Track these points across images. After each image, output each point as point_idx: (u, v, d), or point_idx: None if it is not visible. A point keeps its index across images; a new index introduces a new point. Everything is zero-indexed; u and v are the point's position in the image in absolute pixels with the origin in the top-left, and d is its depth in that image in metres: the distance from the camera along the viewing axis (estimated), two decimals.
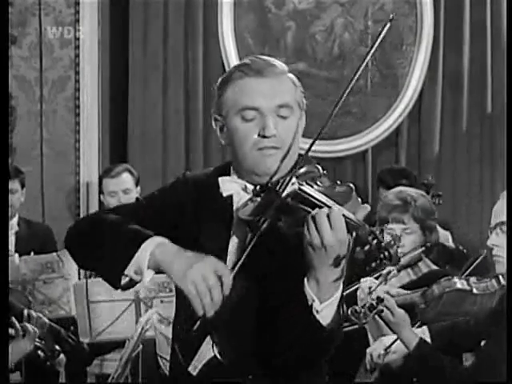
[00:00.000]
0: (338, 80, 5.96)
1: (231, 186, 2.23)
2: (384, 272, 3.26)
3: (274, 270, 2.14)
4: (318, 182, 2.14)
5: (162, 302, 4.06)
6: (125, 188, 5.06)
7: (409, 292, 3.05)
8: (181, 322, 2.32)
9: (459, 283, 2.88)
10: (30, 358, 3.71)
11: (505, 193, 2.97)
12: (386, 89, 6.08)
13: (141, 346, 3.80)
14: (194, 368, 2.22)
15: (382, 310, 2.89)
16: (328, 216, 1.96)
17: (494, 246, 2.94)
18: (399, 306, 2.95)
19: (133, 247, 2.09)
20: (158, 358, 3.82)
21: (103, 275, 2.18)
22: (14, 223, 5.00)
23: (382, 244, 1.96)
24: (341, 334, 2.12)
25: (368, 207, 2.05)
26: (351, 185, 2.12)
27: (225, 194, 2.23)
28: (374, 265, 1.98)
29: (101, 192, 5.20)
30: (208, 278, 2.00)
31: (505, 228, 2.89)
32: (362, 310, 2.88)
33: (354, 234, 1.98)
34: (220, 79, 2.26)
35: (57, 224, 5.58)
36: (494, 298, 2.81)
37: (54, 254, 4.57)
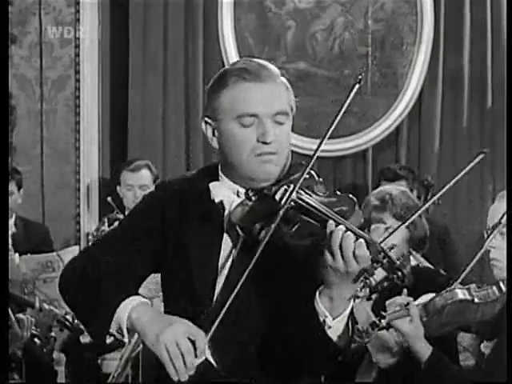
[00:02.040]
0: (338, 79, 5.96)
1: (223, 192, 2.20)
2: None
3: (277, 281, 2.12)
4: (316, 190, 2.12)
5: (162, 301, 4.06)
6: (142, 184, 5.11)
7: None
8: None
9: (461, 293, 2.85)
10: (27, 346, 3.75)
11: (503, 193, 2.94)
12: (386, 88, 6.07)
13: (141, 345, 3.81)
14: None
15: (384, 328, 2.88)
16: (354, 243, 1.96)
17: (491, 248, 2.91)
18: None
19: (112, 308, 2.10)
20: None
21: (89, 332, 2.20)
22: (11, 224, 5.00)
23: (395, 264, 1.96)
24: (349, 347, 2.11)
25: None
26: (352, 196, 2.10)
27: (216, 200, 2.20)
28: (386, 284, 1.98)
29: (118, 183, 5.23)
30: (180, 343, 2.01)
31: (501, 228, 2.86)
32: (364, 329, 2.87)
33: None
34: (212, 82, 2.20)
35: (57, 224, 5.59)
36: (496, 305, 2.79)
37: (55, 253, 4.58)
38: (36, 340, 3.91)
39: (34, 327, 3.74)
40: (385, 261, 1.96)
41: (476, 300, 2.80)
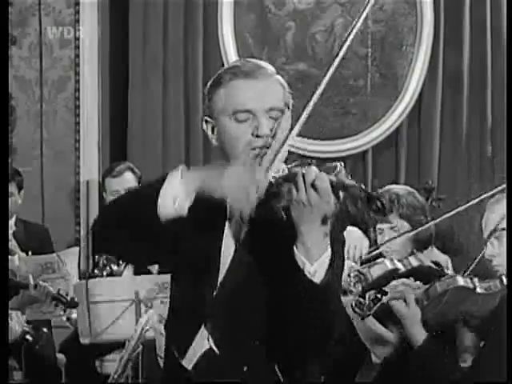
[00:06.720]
0: (337, 80, 5.96)
1: None
2: (373, 259, 3.30)
3: (272, 256, 2.15)
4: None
5: (161, 302, 4.06)
6: (127, 187, 5.06)
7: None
8: (175, 320, 2.36)
9: (462, 281, 2.88)
10: (19, 342, 3.77)
11: (491, 200, 2.96)
12: (386, 89, 6.07)
13: (141, 346, 3.81)
14: (189, 362, 2.22)
15: (387, 303, 2.91)
16: (315, 176, 2.03)
17: (491, 258, 2.93)
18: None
19: (159, 183, 2.10)
20: (158, 358, 3.82)
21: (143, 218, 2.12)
22: (11, 224, 4.99)
23: (374, 194, 2.00)
24: (337, 293, 2.18)
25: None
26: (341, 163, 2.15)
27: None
28: (366, 216, 2.02)
29: (103, 190, 5.22)
30: (243, 178, 2.07)
31: (498, 234, 2.89)
32: (367, 302, 2.91)
33: (345, 193, 2.03)
34: (210, 82, 2.29)
35: (57, 224, 5.59)
36: (496, 298, 2.81)
37: (54, 254, 4.58)
38: (28, 337, 3.93)
39: (25, 324, 3.76)
40: (363, 195, 2.00)
41: (478, 290, 2.83)
